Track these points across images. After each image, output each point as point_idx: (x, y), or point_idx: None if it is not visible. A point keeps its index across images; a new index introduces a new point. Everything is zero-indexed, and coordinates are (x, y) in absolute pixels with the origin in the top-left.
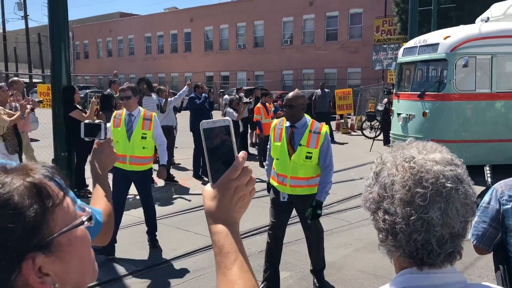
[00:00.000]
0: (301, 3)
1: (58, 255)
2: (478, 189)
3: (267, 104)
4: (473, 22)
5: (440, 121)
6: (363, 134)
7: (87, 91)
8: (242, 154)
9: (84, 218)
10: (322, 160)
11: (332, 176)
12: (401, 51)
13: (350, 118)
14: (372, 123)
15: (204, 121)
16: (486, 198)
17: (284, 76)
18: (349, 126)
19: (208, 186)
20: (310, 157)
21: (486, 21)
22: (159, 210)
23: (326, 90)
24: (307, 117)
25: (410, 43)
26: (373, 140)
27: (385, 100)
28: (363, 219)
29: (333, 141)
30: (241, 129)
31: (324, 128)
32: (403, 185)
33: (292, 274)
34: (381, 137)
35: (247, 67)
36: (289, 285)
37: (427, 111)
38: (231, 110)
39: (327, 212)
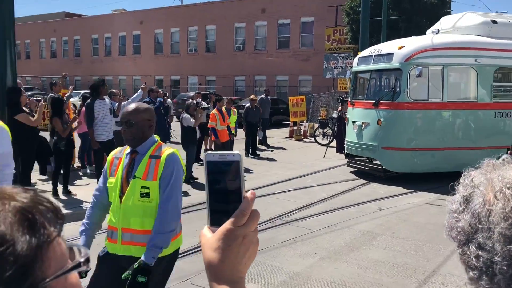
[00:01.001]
0: (253, 9)
1: None
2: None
3: (223, 109)
4: (420, 33)
5: (394, 129)
6: (316, 141)
7: (29, 93)
8: (250, 194)
9: (82, 259)
10: (161, 192)
11: (289, 182)
12: (356, 60)
13: (303, 125)
14: (325, 130)
15: (210, 152)
16: None
17: (237, 82)
18: (302, 133)
19: (207, 231)
20: (148, 195)
21: (436, 33)
22: None
23: (269, 97)
24: (156, 138)
25: (365, 52)
26: (327, 147)
27: (340, 108)
28: (324, 227)
29: (270, 148)
30: (198, 135)
31: (168, 150)
32: (504, 217)
33: (259, 286)
34: (333, 144)
35: (199, 71)
36: None
37: (381, 119)
38: (188, 116)
39: (288, 220)
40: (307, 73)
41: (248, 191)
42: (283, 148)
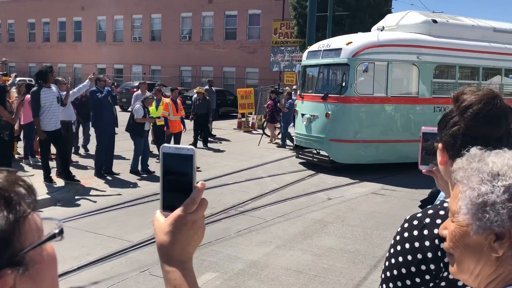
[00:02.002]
0: None
1: (31, 274)
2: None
3: (178, 100)
4: (364, 29)
5: (341, 122)
6: (264, 133)
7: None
8: (200, 185)
9: (56, 231)
10: None
11: (241, 173)
12: (305, 54)
13: (251, 117)
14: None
15: (166, 144)
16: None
17: (183, 72)
18: (250, 125)
19: (160, 216)
20: None
21: (381, 30)
22: (63, 211)
23: (213, 88)
24: None
25: (314, 47)
26: (261, 136)
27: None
28: (277, 216)
29: (216, 139)
30: (148, 127)
31: None
32: None
33: (218, 275)
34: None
35: (143, 61)
36: (216, 286)
37: (329, 112)
38: (140, 108)
39: (242, 210)
40: (254, 65)
41: (198, 182)
42: (232, 140)
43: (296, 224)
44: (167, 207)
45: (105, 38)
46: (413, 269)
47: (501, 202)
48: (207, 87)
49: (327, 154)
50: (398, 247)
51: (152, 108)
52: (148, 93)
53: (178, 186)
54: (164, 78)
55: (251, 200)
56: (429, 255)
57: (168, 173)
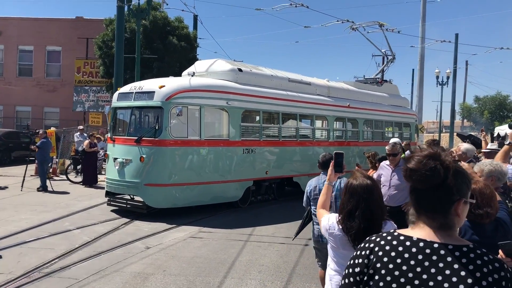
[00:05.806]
0: None
1: None
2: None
3: None
4: (172, 73)
5: (156, 166)
6: (68, 179)
7: None
8: None
9: None
10: None
11: (43, 227)
12: (116, 95)
13: (53, 161)
14: (78, 167)
15: None
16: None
17: None
18: (51, 171)
19: None
20: None
21: (192, 75)
22: None
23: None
24: None
25: (126, 89)
26: (23, 179)
27: (86, 142)
28: (91, 274)
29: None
30: None
31: None
32: None
33: None
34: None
35: None
36: None
37: (144, 156)
38: None
39: (48, 271)
40: (54, 105)
41: None
42: (30, 188)
43: (115, 281)
44: None
45: None
46: (351, 279)
47: None
48: None
49: (142, 200)
50: (349, 262)
51: None
52: None
53: None
54: None
55: (59, 258)
56: (363, 267)
57: None
